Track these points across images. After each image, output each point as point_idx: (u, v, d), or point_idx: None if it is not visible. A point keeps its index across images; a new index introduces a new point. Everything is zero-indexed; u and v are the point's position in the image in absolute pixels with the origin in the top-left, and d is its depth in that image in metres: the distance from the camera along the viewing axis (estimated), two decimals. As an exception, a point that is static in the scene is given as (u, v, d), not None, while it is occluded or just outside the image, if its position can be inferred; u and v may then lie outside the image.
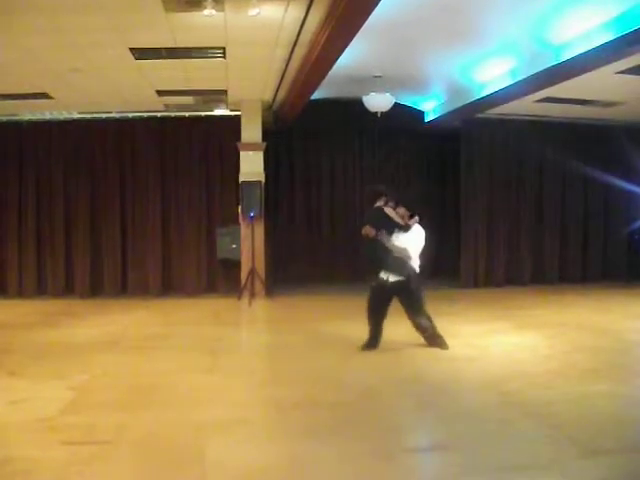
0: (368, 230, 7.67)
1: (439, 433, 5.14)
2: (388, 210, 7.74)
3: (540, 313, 10.36)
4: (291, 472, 4.27)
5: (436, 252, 14.21)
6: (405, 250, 7.50)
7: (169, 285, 13.02)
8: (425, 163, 14.72)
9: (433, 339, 7.68)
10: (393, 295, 7.63)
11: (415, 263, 7.58)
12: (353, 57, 8.90)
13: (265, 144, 12.47)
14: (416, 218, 7.66)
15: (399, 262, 7.51)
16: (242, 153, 12.42)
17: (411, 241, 7.54)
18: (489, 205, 13.77)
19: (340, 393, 6.06)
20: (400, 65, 10.16)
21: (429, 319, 7.67)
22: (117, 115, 12.76)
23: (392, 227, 7.63)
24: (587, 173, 13.82)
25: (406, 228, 7.60)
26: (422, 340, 7.72)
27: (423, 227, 7.69)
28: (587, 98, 11.58)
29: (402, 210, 7.72)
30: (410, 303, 7.59)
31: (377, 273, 7.69)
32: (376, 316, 7.72)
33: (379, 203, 7.82)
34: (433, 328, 7.67)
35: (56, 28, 7.54)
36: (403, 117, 13.11)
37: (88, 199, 12.77)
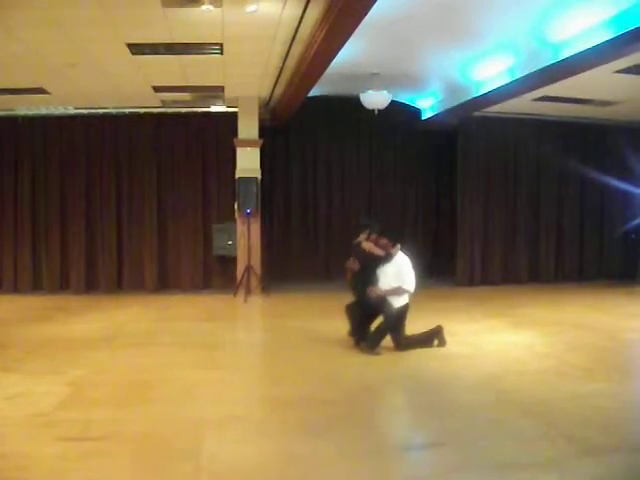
0: (352, 264, 7.92)
1: (435, 430, 5.12)
2: (365, 244, 7.84)
3: (536, 311, 10.36)
4: (287, 469, 4.26)
5: (432, 250, 14.33)
6: (400, 288, 7.50)
7: (165, 281, 13.00)
8: (422, 161, 14.65)
9: (425, 345, 7.70)
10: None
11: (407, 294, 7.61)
12: (351, 54, 8.88)
13: (262, 141, 12.45)
14: (398, 246, 7.67)
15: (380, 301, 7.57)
16: (238, 149, 12.41)
17: (402, 274, 7.52)
18: (485, 203, 13.78)
19: (336, 390, 6.05)
20: (398, 63, 10.14)
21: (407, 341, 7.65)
22: (113, 111, 12.72)
23: (371, 262, 7.68)
24: (584, 172, 13.84)
25: (387, 258, 7.61)
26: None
27: (406, 255, 7.70)
28: (585, 97, 11.59)
29: (384, 241, 7.72)
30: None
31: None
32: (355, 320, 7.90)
33: (361, 237, 7.96)
34: (417, 342, 7.67)
35: (53, 22, 7.50)
36: (400, 115, 13.14)
37: (84, 195, 12.74)
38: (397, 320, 7.53)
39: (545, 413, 5.30)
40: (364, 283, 7.68)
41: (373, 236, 7.88)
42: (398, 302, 7.50)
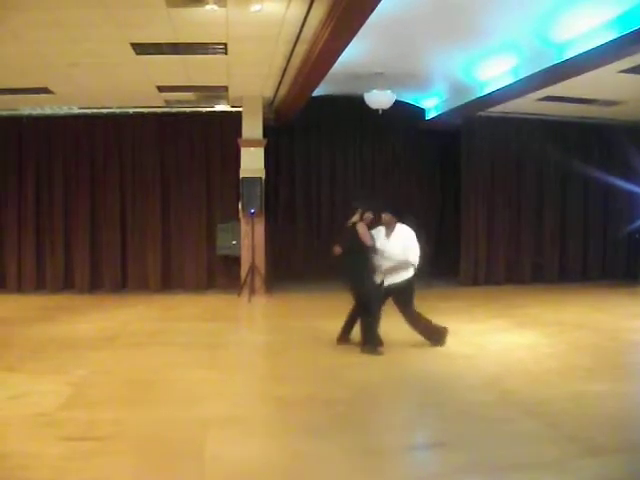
0: (336, 250, 7.73)
1: (438, 430, 5.13)
2: (359, 226, 7.57)
3: (540, 312, 10.33)
4: (290, 468, 4.26)
5: (435, 250, 14.28)
6: (405, 261, 7.49)
7: (169, 281, 13.02)
8: (426, 160, 14.67)
9: (428, 335, 7.68)
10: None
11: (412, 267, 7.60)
12: (355, 54, 8.88)
13: (266, 140, 12.45)
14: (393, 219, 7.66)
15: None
16: (243, 149, 12.41)
17: (408, 248, 7.52)
18: (489, 203, 13.76)
19: (339, 390, 6.04)
20: (402, 62, 10.14)
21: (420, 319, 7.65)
22: (117, 110, 12.75)
23: (358, 246, 7.52)
24: (587, 172, 13.80)
25: (373, 250, 7.54)
26: (421, 338, 7.70)
27: (411, 227, 7.69)
28: (589, 97, 11.57)
29: (388, 217, 7.67)
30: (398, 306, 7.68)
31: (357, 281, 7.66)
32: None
33: (354, 219, 7.72)
34: (424, 328, 7.66)
35: (57, 22, 7.53)
36: (404, 114, 13.14)
37: (88, 194, 12.77)
38: (407, 294, 7.58)
39: (547, 413, 5.28)
40: (353, 268, 7.57)
41: (367, 214, 7.63)
42: (405, 275, 7.54)
